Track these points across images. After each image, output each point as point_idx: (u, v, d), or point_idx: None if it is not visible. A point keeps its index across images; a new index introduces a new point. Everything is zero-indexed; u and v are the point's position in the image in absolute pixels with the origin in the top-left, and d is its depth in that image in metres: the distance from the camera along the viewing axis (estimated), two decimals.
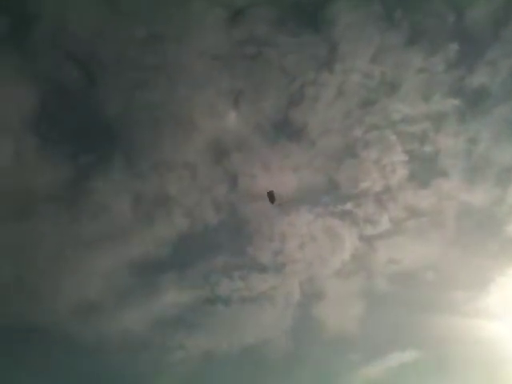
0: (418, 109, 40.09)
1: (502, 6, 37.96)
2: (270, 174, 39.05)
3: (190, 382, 35.65)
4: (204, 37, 37.74)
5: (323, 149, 39.83)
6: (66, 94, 35.71)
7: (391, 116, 40.20)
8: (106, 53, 36.47)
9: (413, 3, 39.37)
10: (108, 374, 33.99)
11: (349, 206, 40.02)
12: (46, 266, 33.86)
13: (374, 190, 40.07)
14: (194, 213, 37.91)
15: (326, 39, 39.06)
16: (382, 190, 40.11)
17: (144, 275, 36.61)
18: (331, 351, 37.97)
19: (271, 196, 29.13)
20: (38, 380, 32.45)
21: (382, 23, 38.84)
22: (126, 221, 36.17)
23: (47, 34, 35.30)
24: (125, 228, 36.07)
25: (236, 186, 38.99)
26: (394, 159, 40.09)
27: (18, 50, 34.48)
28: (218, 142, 38.44)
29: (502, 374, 35.00)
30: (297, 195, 39.24)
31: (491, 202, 38.49)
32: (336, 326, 38.08)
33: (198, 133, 37.70)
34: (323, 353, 38.06)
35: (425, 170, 40.32)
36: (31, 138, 34.52)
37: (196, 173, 38.08)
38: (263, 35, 38.50)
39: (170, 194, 37.31)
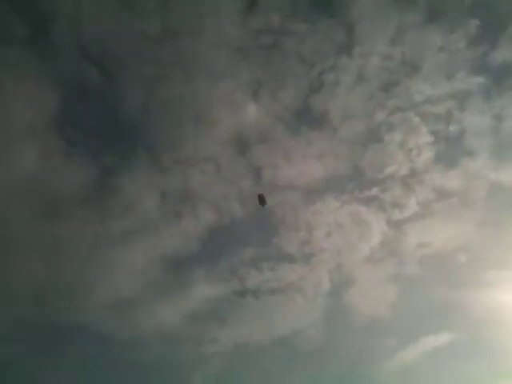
0: (441, 88, 39.28)
1: None
2: (294, 163, 38.98)
3: (225, 374, 35.80)
4: (220, 29, 37.42)
5: (346, 135, 39.46)
6: (86, 95, 35.96)
7: (414, 97, 39.50)
8: (123, 51, 36.47)
9: None
10: (144, 368, 34.38)
11: (375, 191, 39.74)
12: (80, 265, 34.45)
13: (399, 173, 39.69)
14: (220, 206, 37.98)
15: (343, 23, 38.38)
16: (409, 174, 39.71)
17: (174, 270, 37.04)
18: (365, 338, 37.91)
19: (262, 199, 28.63)
20: (77, 375, 32.98)
21: (399, 2, 37.98)
22: (154, 217, 36.52)
23: (64, 36, 35.41)
24: (153, 224, 36.42)
25: (260, 177, 38.95)
26: (418, 141, 39.58)
27: (37, 54, 34.75)
28: (239, 134, 38.39)
29: None
30: (321, 183, 39.16)
31: None
32: (368, 312, 37.97)
33: (219, 126, 37.66)
34: (357, 340, 38.05)
35: (451, 151, 39.82)
36: (56, 141, 34.95)
37: (219, 166, 38.15)
38: (279, 24, 37.97)
39: (194, 188, 37.47)
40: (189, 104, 37.30)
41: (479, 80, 38.37)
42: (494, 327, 36.39)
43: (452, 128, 39.20)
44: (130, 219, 35.88)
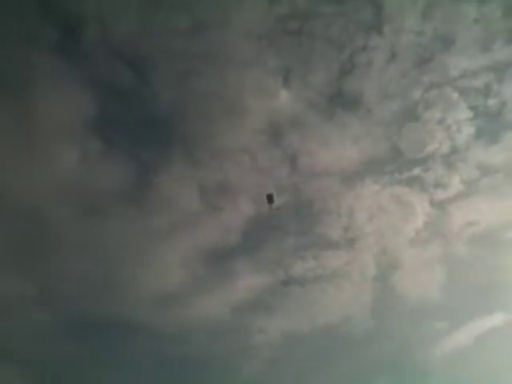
0: (477, 61, 37.89)
1: None
2: (330, 148, 38.36)
3: (274, 364, 35.71)
4: (246, 18, 37.03)
5: (382, 115, 38.48)
6: (119, 94, 36.20)
7: (450, 72, 38.23)
8: (153, 48, 36.60)
9: None
10: (192, 360, 34.66)
11: (416, 171, 38.72)
12: (126, 261, 34.96)
13: (440, 152, 38.55)
14: (258, 197, 37.62)
15: (370, 1, 37.33)
16: (450, 151, 38.52)
17: (218, 262, 37.18)
18: (414, 322, 37.18)
19: (270, 198, 28.22)
20: (127, 369, 33.61)
21: None
22: (194, 211, 36.66)
23: (95, 38, 35.78)
24: (194, 218, 36.57)
25: (296, 165, 38.55)
26: (458, 117, 38.30)
27: (69, 57, 35.25)
28: (272, 122, 37.97)
29: None
30: (359, 167, 38.41)
31: None
32: (417, 295, 37.18)
33: (252, 116, 37.37)
34: (406, 324, 37.38)
35: (492, 125, 38.36)
36: (94, 141, 35.45)
37: (255, 156, 37.95)
38: (304, 8, 37.27)
39: (232, 180, 37.41)
40: (220, 96, 37.23)
41: None
42: None
43: (491, 101, 37.88)
44: (171, 214, 36.18)
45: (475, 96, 38.02)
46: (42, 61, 33.61)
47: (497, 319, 36.03)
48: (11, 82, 32.72)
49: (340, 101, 38.57)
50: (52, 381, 31.40)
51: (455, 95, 38.15)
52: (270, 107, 37.80)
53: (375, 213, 38.50)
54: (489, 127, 38.17)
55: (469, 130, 38.06)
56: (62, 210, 34.09)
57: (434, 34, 37.76)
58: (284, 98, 37.67)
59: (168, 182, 36.37)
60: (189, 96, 37.03)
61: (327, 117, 38.37)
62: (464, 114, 38.04)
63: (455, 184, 38.30)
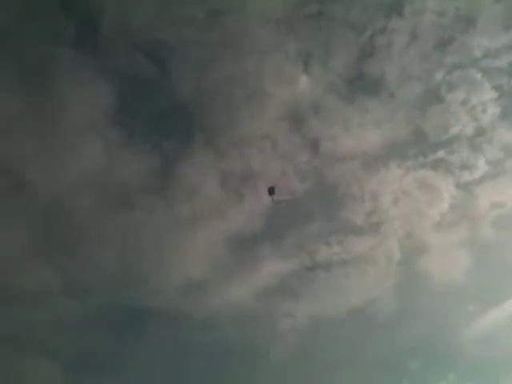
0: (500, 40, 37.08)
1: None
2: (352, 133, 37.92)
3: (301, 349, 35.71)
4: (263, 3, 36.78)
5: (404, 98, 37.88)
6: (140, 85, 36.31)
7: (473, 52, 37.55)
8: (171, 38, 36.51)
9: None
10: (219, 347, 34.76)
11: (440, 154, 38.10)
12: (149, 250, 35.21)
13: (465, 133, 37.86)
14: (280, 183, 37.46)
15: None
16: (475, 133, 37.85)
17: (242, 249, 37.14)
18: (443, 305, 36.79)
19: (272, 191, 27.67)
20: (155, 357, 33.92)
21: None
22: (217, 199, 36.73)
23: (113, 30, 35.83)
24: (217, 206, 36.61)
25: (318, 150, 38.18)
26: (482, 98, 37.56)
27: (88, 51, 35.27)
28: (293, 108, 37.67)
29: None
30: (382, 151, 38.06)
31: None
32: (444, 278, 36.81)
33: (273, 102, 37.13)
34: (434, 307, 36.97)
35: None
36: (116, 133, 35.63)
37: (276, 143, 37.67)
38: None
39: (253, 167, 37.29)
40: (240, 83, 37.10)
41: None
42: None
43: None
44: (194, 203, 36.27)
45: (499, 76, 37.36)
46: (63, 55, 33.95)
47: None
48: (34, 78, 33.12)
49: (361, 84, 38.21)
50: (81, 369, 31.85)
51: (479, 76, 37.54)
52: (291, 93, 37.58)
53: (399, 197, 38.17)
54: None
55: (493, 111, 37.40)
56: (86, 202, 34.46)
57: (456, 15, 37.07)
58: (304, 83, 37.43)
59: (190, 171, 36.53)
60: (208, 84, 37.04)
61: (348, 101, 38.04)
62: (488, 94, 37.37)
63: (480, 166, 37.75)
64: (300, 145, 38.19)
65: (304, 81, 37.45)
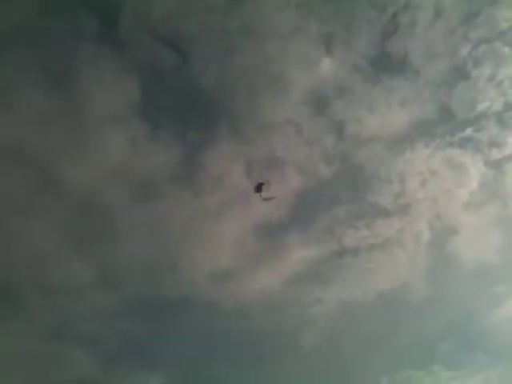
0: None
1: None
2: (377, 113, 37.25)
3: (333, 334, 35.90)
4: None
5: (430, 76, 37.06)
6: (162, 77, 36.13)
7: (499, 26, 36.29)
8: (192, 28, 36.18)
9: None
10: (250, 334, 35.06)
11: (468, 132, 37.32)
12: (179, 240, 35.50)
13: (493, 110, 36.93)
14: (306, 168, 37.38)
15: None
16: (503, 109, 36.87)
17: (270, 236, 37.13)
18: (473, 286, 36.50)
19: (259, 188, 26.58)
20: (188, 345, 34.45)
21: None
22: (242, 187, 36.51)
23: (133, 23, 35.69)
24: (243, 194, 36.49)
25: (343, 133, 37.60)
26: (510, 72, 36.55)
27: (109, 44, 35.08)
28: (317, 92, 37.13)
29: None
30: (409, 131, 37.41)
31: None
32: (475, 259, 36.35)
33: (296, 87, 36.64)
34: (465, 289, 36.72)
35: None
36: (140, 125, 35.65)
37: (300, 128, 37.23)
38: None
39: (278, 153, 36.98)
40: (263, 70, 36.61)
41: None
42: None
43: None
44: (221, 192, 36.30)
45: None
46: (85, 51, 33.84)
47: None
48: (58, 74, 33.32)
49: (385, 64, 37.32)
50: (118, 359, 32.55)
51: (506, 49, 36.44)
52: (314, 76, 37.01)
53: (427, 177, 37.55)
54: None
55: None
56: (115, 195, 34.78)
57: None
58: (327, 65, 36.80)
59: (215, 160, 36.42)
60: (231, 72, 36.68)
61: (373, 81, 37.26)
62: None
63: (510, 142, 36.87)
64: (325, 128, 37.70)
65: (326, 63, 36.92)
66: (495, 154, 37.00)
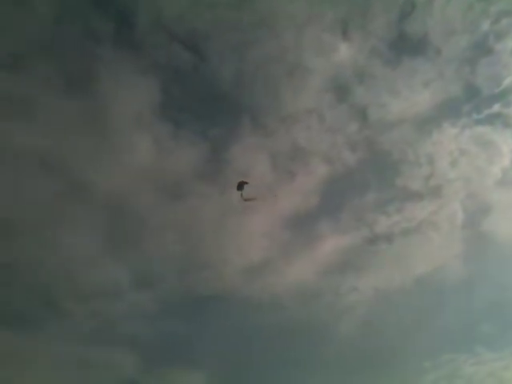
0: None
1: None
2: (400, 96, 36.75)
3: (369, 322, 35.28)
4: None
5: (451, 53, 36.44)
6: (181, 75, 36.35)
7: None
8: (206, 24, 36.22)
9: None
10: (287, 326, 34.54)
11: (496, 107, 36.51)
12: (209, 236, 35.49)
13: None
14: (331, 157, 37.03)
15: None
16: None
17: (300, 227, 36.92)
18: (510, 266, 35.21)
19: (240, 187, 25.39)
20: (225, 339, 34.19)
21: None
22: (268, 179, 36.44)
23: (147, 23, 35.81)
24: (269, 187, 36.24)
25: (367, 118, 37.20)
26: None
27: (127, 46, 35.58)
28: (336, 78, 36.87)
29: None
30: (434, 112, 36.72)
31: None
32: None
33: (315, 75, 36.45)
34: (503, 268, 35.60)
35: None
36: (163, 125, 35.95)
37: (322, 116, 37.07)
38: None
39: (302, 143, 36.82)
40: (280, 60, 36.55)
41: None
42: None
43: None
44: (248, 186, 36.02)
45: None
46: (103, 54, 34.28)
47: None
48: (79, 80, 33.74)
49: (404, 45, 36.86)
50: (158, 358, 32.59)
51: None
52: (332, 63, 36.75)
53: (457, 157, 36.77)
54: None
55: None
56: (144, 196, 35.10)
57: None
58: (345, 51, 36.44)
59: (240, 154, 36.43)
60: (248, 66, 36.64)
61: (393, 64, 36.82)
62: None
63: None
64: (347, 115, 37.39)
65: (344, 49, 36.56)
66: None
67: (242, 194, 25.16)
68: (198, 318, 34.68)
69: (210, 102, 36.69)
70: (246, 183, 25.09)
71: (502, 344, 34.21)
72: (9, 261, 29.01)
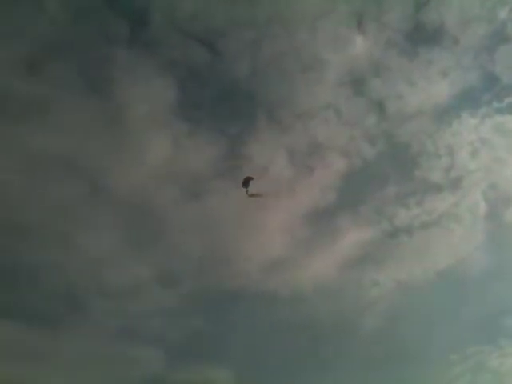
0: None
1: None
2: (418, 88, 36.44)
3: (392, 316, 35.08)
4: None
5: (469, 42, 36.14)
6: (196, 73, 36.50)
7: None
8: (220, 22, 36.26)
9: None
10: (309, 321, 34.49)
11: None
12: (229, 233, 35.59)
13: None
14: (350, 151, 36.83)
15: None
16: None
17: (319, 222, 36.90)
18: None
19: (246, 183, 25.35)
20: (251, 335, 34.32)
21: None
22: (287, 176, 36.48)
23: (161, 22, 35.97)
24: (288, 182, 36.35)
25: (384, 111, 36.91)
26: None
27: (142, 47, 35.77)
28: (353, 72, 36.69)
29: None
30: (453, 102, 36.32)
31: None
32: None
33: (331, 69, 36.33)
34: None
35: None
36: (180, 123, 36.08)
37: (339, 110, 36.87)
38: None
39: (319, 138, 36.69)
40: (295, 55, 36.48)
41: None
42: None
43: None
44: (266, 182, 36.01)
45: None
46: (119, 54, 34.56)
47: None
48: (97, 79, 34.04)
49: (421, 36, 36.61)
50: (184, 354, 32.71)
51: None
52: (348, 56, 36.59)
53: (478, 147, 36.38)
54: None
55: None
56: (163, 194, 35.28)
57: None
58: (361, 44, 36.24)
59: (257, 151, 36.44)
60: (264, 62, 36.64)
61: (409, 55, 36.64)
62: None
63: None
64: (365, 108, 37.14)
65: (360, 42, 36.35)
66: None
67: (247, 191, 25.28)
68: (221, 314, 34.81)
69: (227, 99, 36.78)
70: (252, 179, 25.19)
71: None
72: (36, 261, 29.50)
